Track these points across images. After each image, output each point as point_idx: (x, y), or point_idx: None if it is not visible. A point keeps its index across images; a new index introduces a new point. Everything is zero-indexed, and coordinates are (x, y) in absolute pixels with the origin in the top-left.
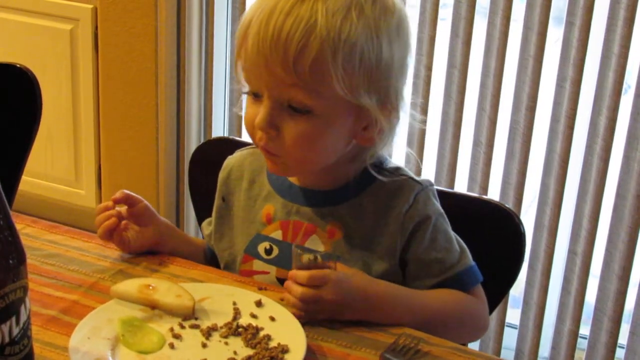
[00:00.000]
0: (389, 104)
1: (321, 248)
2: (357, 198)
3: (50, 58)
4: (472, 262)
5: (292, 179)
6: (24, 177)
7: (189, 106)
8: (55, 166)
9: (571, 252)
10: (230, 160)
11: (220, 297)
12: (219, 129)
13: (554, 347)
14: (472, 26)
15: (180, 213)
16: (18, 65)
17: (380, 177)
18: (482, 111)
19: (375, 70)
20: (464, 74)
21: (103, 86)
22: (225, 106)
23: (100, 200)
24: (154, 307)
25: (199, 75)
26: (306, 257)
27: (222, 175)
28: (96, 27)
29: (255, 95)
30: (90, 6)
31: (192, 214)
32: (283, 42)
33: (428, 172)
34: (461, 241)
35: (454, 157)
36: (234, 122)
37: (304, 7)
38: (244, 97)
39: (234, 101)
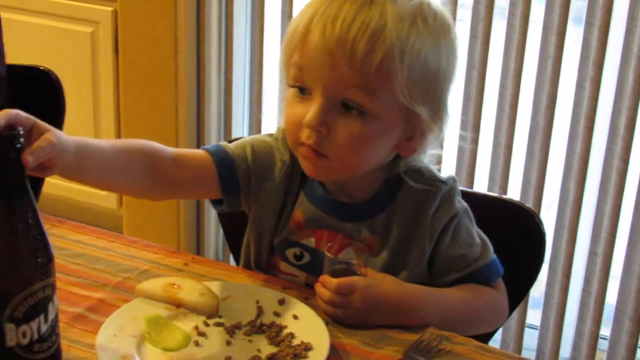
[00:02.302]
0: (439, 117)
1: (354, 259)
2: (389, 208)
3: (71, 60)
4: (494, 256)
5: (325, 188)
6: (46, 179)
7: (208, 108)
8: None
9: (592, 253)
10: (282, 145)
11: (244, 295)
12: (239, 130)
13: (575, 347)
14: (490, 27)
15: (200, 215)
16: (42, 68)
17: (408, 181)
18: (502, 112)
19: (434, 80)
20: (482, 75)
21: (123, 88)
22: (244, 107)
23: (120, 202)
24: (178, 306)
25: (219, 77)
26: (334, 261)
27: (263, 150)
28: (116, 30)
29: (302, 91)
30: (111, 9)
31: (213, 215)
32: (351, 40)
33: (448, 173)
34: (483, 235)
35: (473, 158)
36: (254, 123)
37: (373, 8)
38: (273, 97)
39: (253, 102)
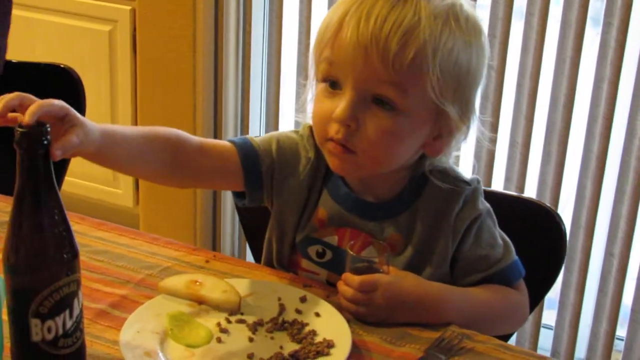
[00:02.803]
0: (467, 116)
1: (377, 258)
2: (412, 207)
3: (89, 59)
4: (516, 257)
5: (349, 186)
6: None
7: (226, 106)
8: (93, 165)
9: (608, 253)
10: (307, 142)
11: (266, 292)
12: (256, 129)
13: (590, 348)
14: (509, 26)
15: (217, 214)
16: (62, 66)
17: (433, 180)
18: (519, 112)
19: (464, 79)
20: (500, 74)
21: (141, 87)
22: (261, 107)
23: (137, 200)
24: (201, 303)
25: (236, 76)
26: (356, 259)
27: (289, 146)
28: (134, 29)
29: (333, 86)
30: (129, 8)
31: (229, 213)
32: (385, 36)
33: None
34: (505, 236)
35: (491, 158)
36: (271, 121)
37: (407, 6)
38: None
39: (270, 101)
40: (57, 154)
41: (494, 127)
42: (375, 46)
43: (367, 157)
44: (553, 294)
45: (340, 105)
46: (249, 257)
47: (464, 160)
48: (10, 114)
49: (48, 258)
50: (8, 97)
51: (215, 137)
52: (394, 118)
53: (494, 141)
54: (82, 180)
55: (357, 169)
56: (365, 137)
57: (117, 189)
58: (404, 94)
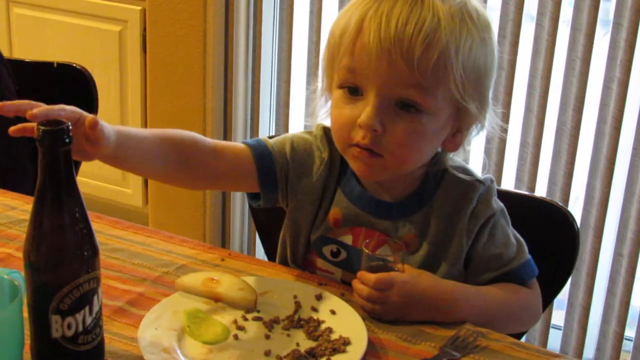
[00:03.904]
0: (484, 109)
1: (391, 256)
2: (427, 206)
3: (99, 59)
4: (529, 256)
5: (363, 185)
6: None
7: (235, 107)
8: (102, 165)
9: (617, 254)
10: (321, 143)
11: (282, 290)
12: (265, 130)
13: (599, 348)
14: (519, 28)
15: (226, 213)
16: (74, 65)
17: (455, 173)
18: (530, 112)
19: (483, 74)
20: (511, 75)
21: (151, 87)
22: (271, 107)
23: (146, 200)
24: (217, 300)
25: (246, 76)
26: (371, 258)
27: (303, 147)
28: (144, 29)
29: (353, 93)
30: (139, 8)
31: (238, 213)
32: (408, 38)
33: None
34: (518, 235)
35: (501, 158)
36: (281, 123)
37: (425, 7)
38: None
39: (280, 102)
40: (92, 120)
41: (504, 128)
42: (399, 50)
43: (394, 159)
44: (562, 295)
45: (365, 111)
46: (259, 256)
47: (474, 160)
48: (28, 124)
49: (68, 255)
50: (19, 101)
51: (225, 137)
52: (420, 119)
53: (505, 130)
54: (91, 179)
55: (383, 172)
56: (392, 140)
57: (127, 188)
58: (429, 96)
